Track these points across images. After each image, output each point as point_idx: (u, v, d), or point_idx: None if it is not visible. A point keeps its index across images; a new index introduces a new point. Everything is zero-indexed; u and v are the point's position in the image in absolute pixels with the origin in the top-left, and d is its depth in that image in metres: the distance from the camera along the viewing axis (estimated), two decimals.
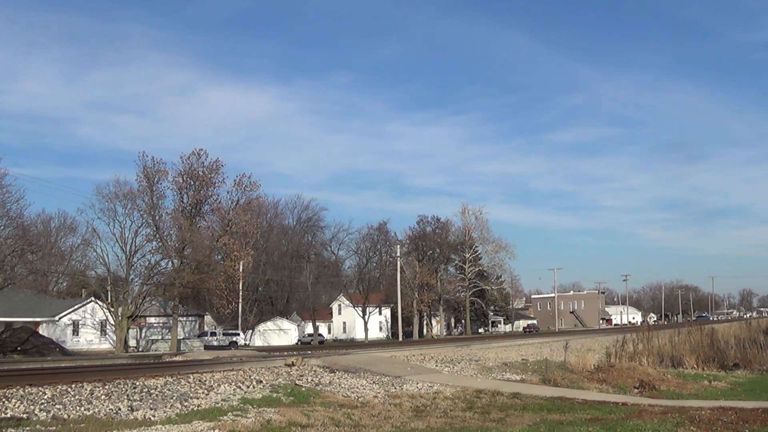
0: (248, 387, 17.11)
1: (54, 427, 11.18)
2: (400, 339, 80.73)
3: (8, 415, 11.91)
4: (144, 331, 64.93)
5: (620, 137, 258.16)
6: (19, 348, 45.29)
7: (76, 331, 61.20)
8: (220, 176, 61.28)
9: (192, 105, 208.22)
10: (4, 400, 13.11)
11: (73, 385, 15.39)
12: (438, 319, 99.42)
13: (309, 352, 38.62)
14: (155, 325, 67.63)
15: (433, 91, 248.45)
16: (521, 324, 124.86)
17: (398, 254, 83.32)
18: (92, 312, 61.69)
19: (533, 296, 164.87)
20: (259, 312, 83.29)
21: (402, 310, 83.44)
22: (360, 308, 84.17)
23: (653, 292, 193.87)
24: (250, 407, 14.41)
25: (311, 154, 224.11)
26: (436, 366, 26.87)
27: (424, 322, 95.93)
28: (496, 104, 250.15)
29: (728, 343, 35.47)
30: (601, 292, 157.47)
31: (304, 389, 17.56)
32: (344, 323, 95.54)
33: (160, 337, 62.42)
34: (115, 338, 54.99)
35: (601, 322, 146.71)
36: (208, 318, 76.93)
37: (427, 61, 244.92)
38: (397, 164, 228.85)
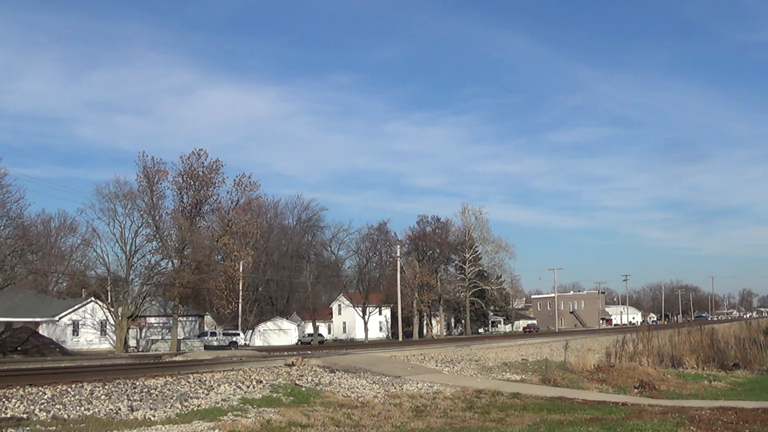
0: (248, 387, 17.11)
1: (54, 427, 11.18)
2: (400, 339, 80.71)
3: (8, 415, 11.91)
4: (144, 331, 64.92)
5: (620, 137, 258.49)
6: (19, 348, 45.31)
7: (76, 331, 61.18)
8: (220, 176, 61.37)
9: (192, 105, 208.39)
10: (4, 400, 13.11)
11: (73, 385, 15.38)
12: (438, 319, 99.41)
13: (309, 352, 38.61)
14: (155, 325, 67.63)
15: (433, 91, 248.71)
16: (521, 324, 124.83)
17: (398, 254, 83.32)
18: (92, 312, 61.69)
19: (533, 296, 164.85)
20: (259, 312, 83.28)
21: (402, 310, 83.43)
22: (360, 308, 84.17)
23: (653, 292, 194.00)
24: (250, 407, 14.41)
25: (311, 154, 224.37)
26: (436, 366, 26.86)
27: (424, 322, 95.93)
28: (496, 104, 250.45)
29: (728, 343, 35.51)
30: (601, 292, 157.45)
31: (304, 389, 17.56)
32: (344, 323, 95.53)
33: (160, 337, 62.42)
34: (115, 338, 55.00)
35: (601, 322, 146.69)
36: (208, 318, 76.92)
37: (427, 61, 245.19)
38: (397, 164, 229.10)
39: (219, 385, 16.91)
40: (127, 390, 15.30)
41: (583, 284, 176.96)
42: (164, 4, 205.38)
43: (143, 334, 63.70)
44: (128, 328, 55.48)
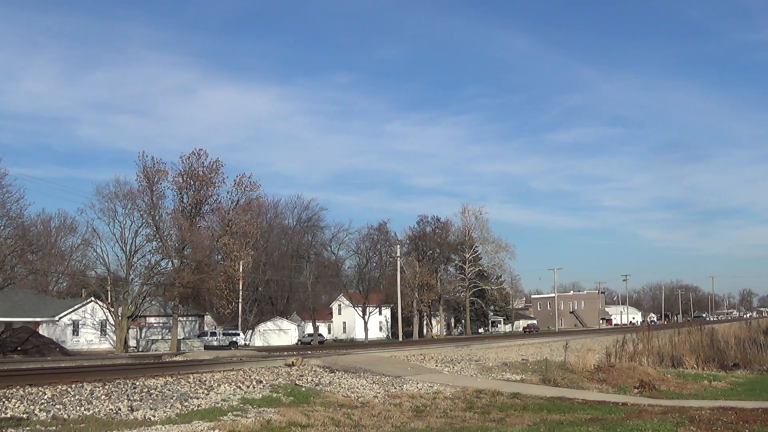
0: (248, 387, 17.11)
1: (54, 427, 11.19)
2: (400, 339, 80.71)
3: (8, 415, 11.91)
4: (144, 331, 64.90)
5: (620, 137, 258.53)
6: (19, 348, 45.31)
7: (76, 331, 61.17)
8: (220, 176, 61.37)
9: (192, 105, 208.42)
10: (4, 400, 13.11)
11: (73, 385, 15.38)
12: (438, 319, 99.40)
13: (309, 352, 38.63)
14: (155, 325, 67.62)
15: (433, 91, 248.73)
16: (521, 324, 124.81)
17: (398, 254, 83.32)
18: (92, 312, 61.67)
19: (533, 296, 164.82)
20: (259, 312, 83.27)
21: (402, 310, 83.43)
22: (360, 308, 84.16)
23: (653, 292, 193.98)
24: (250, 407, 14.42)
25: (311, 154, 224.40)
26: (436, 366, 26.87)
27: (424, 322, 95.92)
28: (496, 104, 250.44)
29: (728, 343, 35.54)
30: (601, 292, 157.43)
31: (304, 389, 17.56)
32: (344, 323, 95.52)
33: (160, 337, 62.41)
34: (115, 338, 54.99)
35: (601, 322, 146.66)
36: (208, 318, 76.91)
37: (427, 61, 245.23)
38: (397, 164, 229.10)
39: (219, 385, 16.91)
40: (127, 390, 15.30)
41: (583, 284, 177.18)
42: (164, 4, 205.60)
43: (143, 334, 63.68)
44: (128, 328, 55.45)
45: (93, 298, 61.64)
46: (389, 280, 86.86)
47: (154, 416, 12.77)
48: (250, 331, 77.43)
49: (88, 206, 60.94)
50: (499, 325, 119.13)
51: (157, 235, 55.83)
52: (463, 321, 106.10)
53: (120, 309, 54.04)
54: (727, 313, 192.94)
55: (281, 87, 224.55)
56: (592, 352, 32.23)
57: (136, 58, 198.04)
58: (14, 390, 14.25)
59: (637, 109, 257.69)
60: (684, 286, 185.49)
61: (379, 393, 18.05)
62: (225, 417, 13.06)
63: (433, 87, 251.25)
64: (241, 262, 64.29)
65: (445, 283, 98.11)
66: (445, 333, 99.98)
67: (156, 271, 56.16)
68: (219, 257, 64.73)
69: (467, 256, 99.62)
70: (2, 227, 52.17)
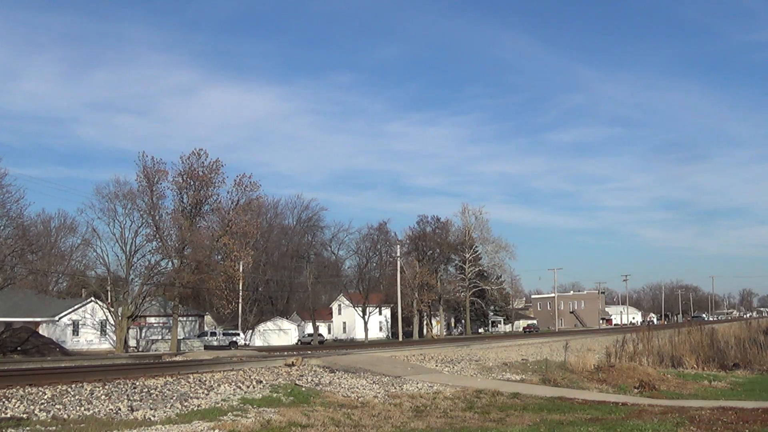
0: (248, 387, 17.10)
1: (54, 427, 11.18)
2: (400, 339, 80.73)
3: (8, 415, 11.91)
4: (144, 331, 64.90)
5: (620, 137, 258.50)
6: (19, 348, 45.33)
7: (76, 331, 61.17)
8: (220, 176, 61.24)
9: (193, 105, 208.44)
10: (4, 400, 13.11)
11: (73, 385, 15.38)
12: (438, 319, 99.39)
13: (309, 352, 38.63)
14: (155, 325, 67.62)
15: (433, 91, 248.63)
16: (521, 324, 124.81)
17: (398, 254, 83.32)
18: (92, 312, 61.67)
19: (533, 296, 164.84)
20: (259, 312, 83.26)
21: (402, 310, 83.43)
22: (360, 308, 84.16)
23: (653, 292, 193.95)
24: (250, 407, 14.41)
25: (311, 154, 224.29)
26: (436, 366, 26.86)
27: (424, 322, 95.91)
28: (496, 104, 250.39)
29: (728, 343, 35.58)
30: (601, 292, 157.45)
31: (304, 389, 17.55)
32: (344, 323, 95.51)
33: (160, 337, 62.40)
34: (115, 338, 54.98)
35: (601, 322, 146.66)
36: (208, 318, 76.91)
37: (427, 61, 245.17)
38: (398, 164, 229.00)
39: (219, 385, 16.91)
40: (127, 390, 15.30)
41: (583, 284, 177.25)
42: (165, 4, 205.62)
43: (143, 334, 63.68)
44: (128, 328, 55.44)
45: (93, 298, 61.63)
46: (389, 280, 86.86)
47: (154, 416, 12.77)
48: (250, 331, 77.43)
49: (88, 206, 60.78)
50: (499, 325, 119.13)
51: (157, 235, 55.82)
52: (463, 321, 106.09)
53: (120, 309, 54.03)
54: (727, 313, 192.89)
55: (281, 87, 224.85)
56: (592, 352, 32.27)
57: (137, 58, 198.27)
58: (14, 390, 14.25)
59: (637, 109, 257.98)
60: (684, 286, 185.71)
61: (379, 393, 18.05)
62: (225, 417, 13.06)
63: (433, 87, 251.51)
64: (241, 262, 64.26)
65: (445, 283, 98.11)
66: (445, 333, 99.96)
67: (156, 271, 56.15)
68: (219, 257, 64.68)
69: (467, 256, 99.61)
70: (2, 227, 52.15)
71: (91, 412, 12.82)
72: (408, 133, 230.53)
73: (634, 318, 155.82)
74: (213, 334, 66.71)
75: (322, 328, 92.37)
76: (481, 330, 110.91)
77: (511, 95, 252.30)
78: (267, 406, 14.82)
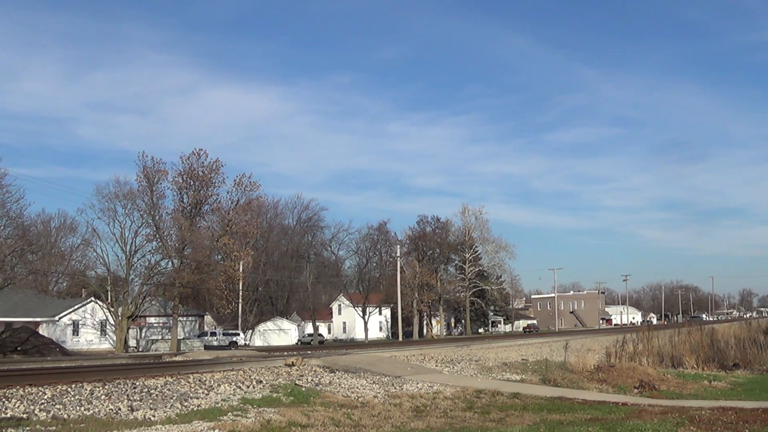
0: (248, 387, 17.10)
1: (54, 427, 11.18)
2: (400, 339, 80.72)
3: (8, 415, 11.91)
4: (144, 331, 64.91)
5: (620, 137, 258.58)
6: (19, 348, 45.29)
7: (76, 331, 61.18)
8: (219, 176, 61.39)
9: (193, 105, 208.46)
10: (4, 400, 13.11)
11: (73, 385, 15.38)
12: (438, 319, 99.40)
13: (309, 352, 38.62)
14: (155, 325, 67.63)
15: (433, 91, 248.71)
16: (521, 324, 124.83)
17: (398, 254, 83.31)
18: (92, 312, 61.69)
19: (533, 296, 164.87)
20: (259, 312, 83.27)
21: (402, 310, 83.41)
22: (360, 308, 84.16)
23: (653, 292, 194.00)
24: (250, 407, 14.41)
25: (312, 154, 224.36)
26: (436, 366, 26.86)
27: (424, 322, 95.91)
28: (496, 104, 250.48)
29: (728, 343, 35.52)
30: (601, 292, 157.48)
31: (304, 389, 17.55)
32: (344, 323, 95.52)
33: (160, 337, 62.40)
34: (115, 338, 54.99)
35: (601, 322, 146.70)
36: (208, 318, 76.92)
37: (427, 61, 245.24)
38: (398, 164, 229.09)
39: (219, 385, 16.91)
40: (127, 390, 15.30)
41: (583, 284, 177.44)
42: (165, 4, 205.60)
43: (143, 334, 63.69)
44: (128, 328, 55.45)
45: (93, 298, 61.67)
46: (389, 280, 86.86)
47: (154, 416, 12.77)
48: (250, 331, 77.42)
49: (88, 206, 61.03)
50: (499, 325, 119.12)
51: (157, 235, 55.86)
52: (463, 321, 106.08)
53: (120, 309, 54.04)
54: (727, 313, 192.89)
55: (282, 87, 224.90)
56: (592, 352, 32.26)
57: (137, 58, 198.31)
58: (14, 390, 14.25)
59: (638, 109, 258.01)
60: (684, 286, 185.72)
61: (379, 393, 18.05)
62: (225, 417, 13.06)
63: (433, 87, 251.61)
64: (241, 262, 64.28)
65: (445, 283, 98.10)
66: (445, 333, 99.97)
67: (156, 271, 56.17)
68: (219, 257, 64.73)
69: (467, 256, 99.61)
70: (2, 227, 52.21)
71: (91, 412, 12.81)
72: (408, 133, 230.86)
73: (634, 318, 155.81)
74: (213, 334, 66.72)
75: (322, 328, 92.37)
76: (481, 330, 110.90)
77: (511, 95, 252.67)
78: (267, 406, 14.82)
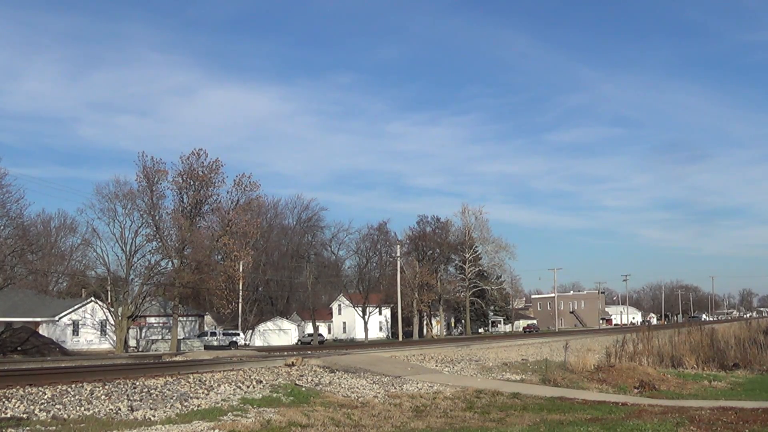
0: (248, 387, 17.10)
1: (54, 427, 11.19)
2: (400, 339, 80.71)
3: (8, 415, 11.91)
4: (144, 331, 64.91)
5: (621, 137, 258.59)
6: (19, 348, 45.30)
7: (76, 331, 61.18)
8: (219, 176, 61.31)
9: (193, 105, 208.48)
10: (4, 400, 13.11)
11: (73, 385, 15.38)
12: (438, 319, 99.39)
13: (309, 352, 38.61)
14: (155, 325, 67.62)
15: (433, 91, 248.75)
16: (521, 324, 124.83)
17: (398, 254, 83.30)
18: (92, 312, 61.68)
19: (533, 296, 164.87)
20: (259, 312, 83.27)
21: (402, 310, 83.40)
22: (360, 308, 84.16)
23: (653, 292, 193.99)
24: (250, 407, 14.41)
25: (312, 154, 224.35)
26: (436, 366, 26.86)
27: (424, 322, 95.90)
28: (496, 104, 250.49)
29: (728, 343, 35.52)
30: (601, 292, 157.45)
31: (304, 389, 17.55)
32: (344, 323, 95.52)
33: (160, 337, 62.39)
34: (115, 338, 54.98)
35: (601, 322, 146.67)
36: (208, 318, 76.91)
37: (427, 61, 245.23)
38: (398, 164, 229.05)
39: (219, 385, 16.91)
40: (127, 390, 15.30)
41: (583, 284, 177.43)
42: (166, 4, 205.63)
43: (143, 334, 63.68)
44: (128, 328, 55.44)
45: (93, 298, 61.66)
46: (389, 280, 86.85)
47: (154, 416, 12.77)
48: (250, 331, 77.42)
49: (88, 206, 60.91)
50: (499, 325, 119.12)
51: (157, 235, 55.82)
52: (463, 321, 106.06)
53: (120, 309, 54.03)
54: (727, 313, 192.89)
55: (282, 87, 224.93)
56: (592, 352, 32.27)
57: (137, 58, 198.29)
58: (14, 390, 14.24)
59: (638, 109, 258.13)
60: (684, 286, 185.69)
61: (379, 393, 18.05)
62: (225, 417, 13.06)
63: (433, 87, 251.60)
64: (241, 262, 64.26)
65: (445, 283, 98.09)
66: (445, 333, 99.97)
67: (156, 271, 56.15)
68: (219, 257, 64.72)
69: (467, 256, 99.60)
70: (2, 227, 52.17)
71: (91, 412, 12.82)
72: (408, 133, 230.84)
73: (634, 318, 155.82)
74: (213, 334, 66.72)
75: (322, 328, 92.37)
76: (481, 330, 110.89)
77: (511, 95, 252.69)
78: (267, 406, 14.82)
